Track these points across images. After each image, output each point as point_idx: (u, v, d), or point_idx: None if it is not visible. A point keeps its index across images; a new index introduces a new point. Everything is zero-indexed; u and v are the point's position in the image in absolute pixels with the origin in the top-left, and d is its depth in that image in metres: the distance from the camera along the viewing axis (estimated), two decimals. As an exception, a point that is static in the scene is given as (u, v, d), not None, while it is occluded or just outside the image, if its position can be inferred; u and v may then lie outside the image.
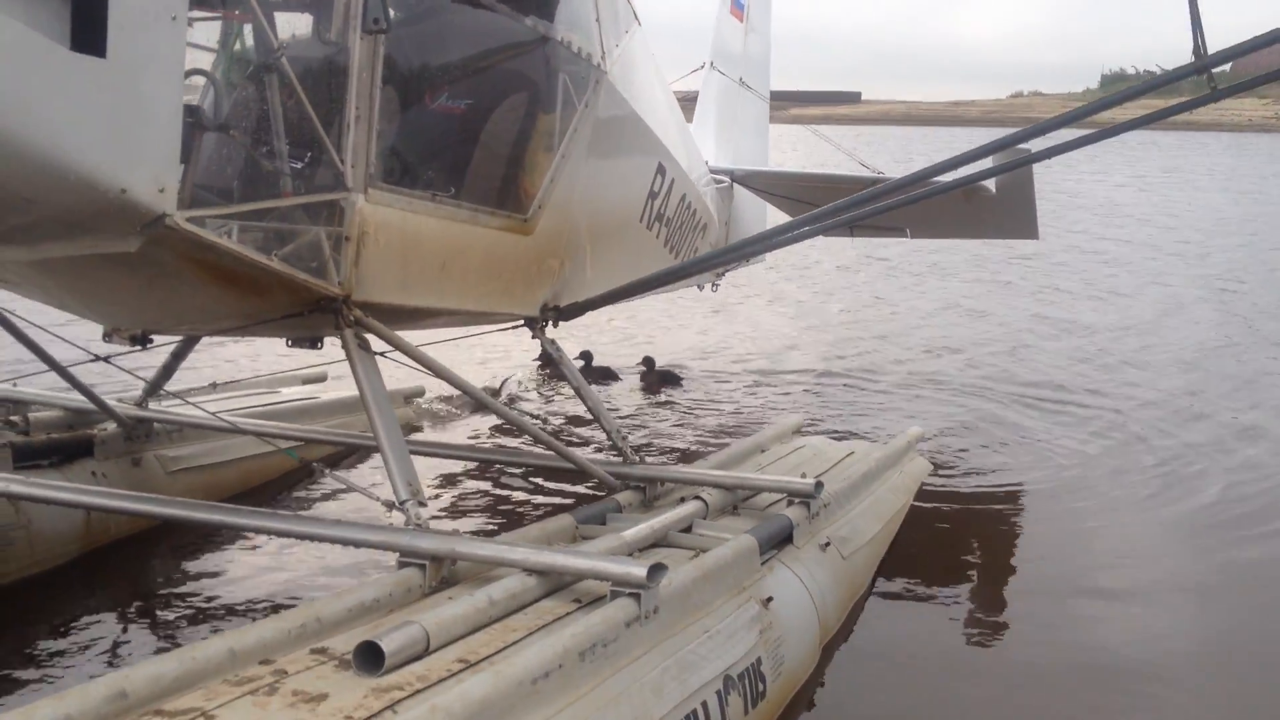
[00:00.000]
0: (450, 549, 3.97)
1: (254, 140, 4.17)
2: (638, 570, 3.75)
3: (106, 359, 5.13)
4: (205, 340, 6.18)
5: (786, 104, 11.83)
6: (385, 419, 4.36)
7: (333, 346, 4.74)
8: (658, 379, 10.78)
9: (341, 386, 8.51)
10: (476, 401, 5.28)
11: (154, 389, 6.38)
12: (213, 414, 5.85)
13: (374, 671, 3.15)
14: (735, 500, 5.56)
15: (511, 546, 4.11)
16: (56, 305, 4.69)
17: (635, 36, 6.53)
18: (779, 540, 5.04)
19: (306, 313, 4.34)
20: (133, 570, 5.85)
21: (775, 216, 10.29)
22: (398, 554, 4.04)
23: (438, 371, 4.89)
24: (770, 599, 4.51)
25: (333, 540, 4.36)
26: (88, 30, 3.15)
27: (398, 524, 4.21)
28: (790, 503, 5.40)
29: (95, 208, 3.37)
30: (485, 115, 5.26)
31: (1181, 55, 4.95)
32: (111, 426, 6.27)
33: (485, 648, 3.42)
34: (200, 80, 4.32)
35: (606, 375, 11.09)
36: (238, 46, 4.25)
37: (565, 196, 5.53)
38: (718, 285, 10.63)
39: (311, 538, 4.36)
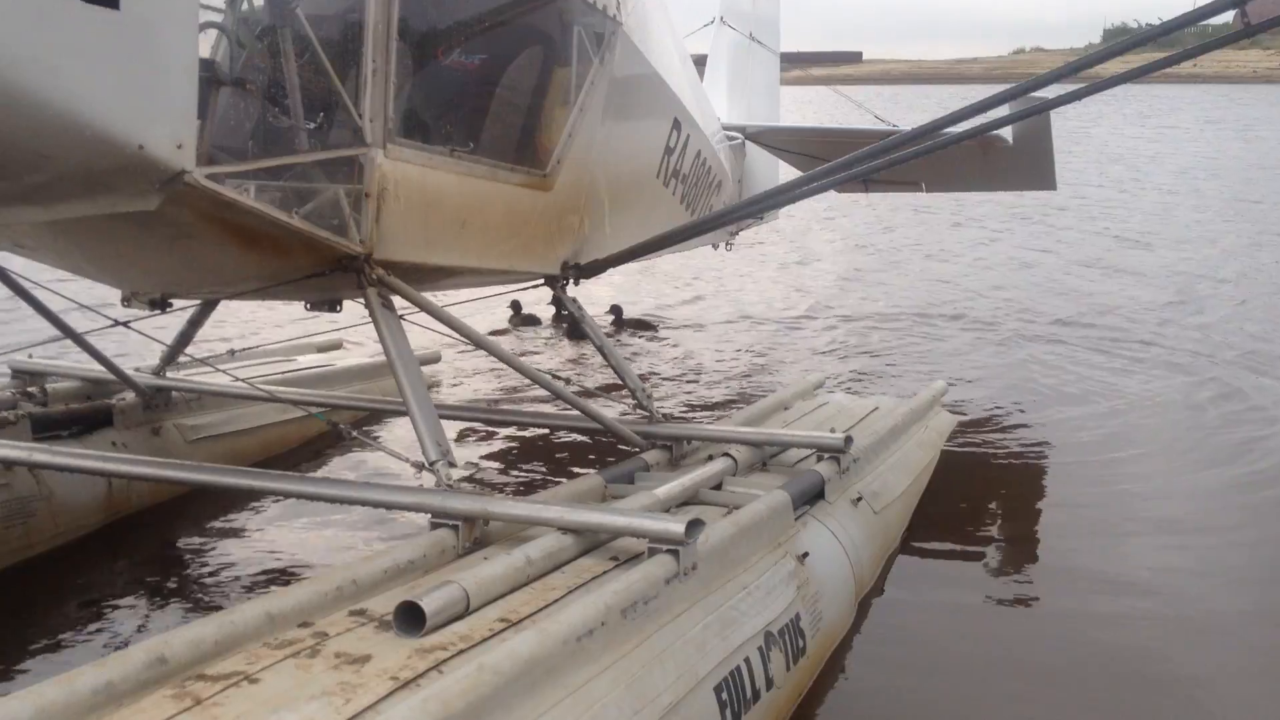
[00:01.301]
0: (483, 508, 3.90)
1: (270, 96, 4.09)
2: (675, 526, 3.68)
3: (125, 324, 5.06)
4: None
5: (788, 65, 11.73)
6: (412, 379, 4.28)
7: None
8: (629, 325, 11.43)
9: (358, 353, 8.48)
10: (502, 361, 5.19)
11: (171, 357, 6.30)
12: (237, 379, 5.77)
13: (415, 632, 3.09)
14: (764, 457, 5.49)
15: (546, 505, 4.05)
16: (73, 270, 4.61)
17: (650, -11, 6.42)
18: (811, 496, 4.98)
19: (328, 272, 4.25)
20: (157, 539, 5.80)
21: (787, 174, 10.21)
22: (430, 515, 3.97)
23: (461, 331, 4.80)
24: (806, 554, 4.45)
25: (363, 503, 4.29)
26: None
27: (428, 485, 4.15)
28: (820, 458, 5.33)
29: (112, 165, 3.28)
30: (501, 68, 5.17)
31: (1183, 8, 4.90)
32: (130, 396, 6.20)
33: (526, 607, 3.35)
34: (214, 35, 4.23)
35: (642, 326, 11.44)
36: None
37: (583, 152, 5.45)
38: (731, 244, 10.55)
39: (341, 500, 4.30)
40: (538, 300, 11.20)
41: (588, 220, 5.69)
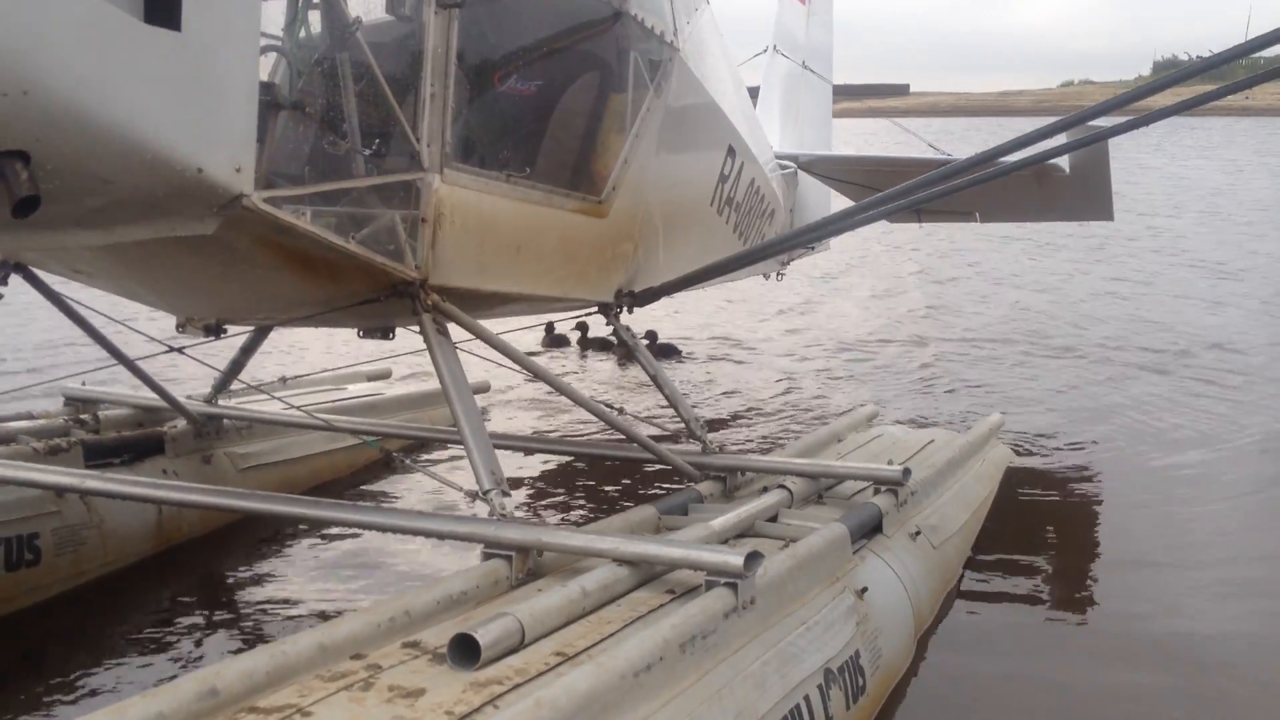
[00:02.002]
0: (537, 539, 3.83)
1: (328, 120, 4.06)
2: (734, 559, 3.60)
3: (181, 350, 5.05)
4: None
5: (835, 97, 11.69)
6: (466, 406, 4.23)
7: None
8: (658, 352, 11.21)
9: (407, 383, 8.46)
10: (557, 390, 5.12)
11: (224, 385, 6.30)
12: (292, 407, 5.74)
13: (470, 665, 3.01)
14: (819, 489, 5.40)
15: (600, 536, 3.97)
16: (129, 296, 4.60)
17: (705, 14, 6.39)
18: (869, 529, 4.88)
19: (383, 298, 4.22)
20: (207, 568, 5.77)
21: (839, 204, 10.12)
22: (482, 545, 3.90)
23: (515, 358, 4.75)
24: (865, 589, 4.35)
25: (415, 532, 4.24)
26: (162, 3, 3.04)
27: (481, 515, 4.08)
28: (877, 490, 5.23)
29: (171, 188, 3.26)
30: (558, 94, 5.14)
31: (1235, 39, 4.76)
32: (182, 423, 6.20)
33: (582, 640, 3.28)
34: (273, 58, 4.22)
35: (667, 352, 11.51)
36: (310, 24, 4.13)
37: (638, 178, 5.40)
38: (783, 275, 10.46)
39: (394, 530, 4.25)
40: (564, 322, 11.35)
41: (641, 247, 5.63)
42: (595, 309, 5.65)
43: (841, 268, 18.57)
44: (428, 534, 4.25)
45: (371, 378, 8.47)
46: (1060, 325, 13.55)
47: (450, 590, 3.54)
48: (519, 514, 4.04)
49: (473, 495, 4.11)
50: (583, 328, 11.69)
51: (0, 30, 2.72)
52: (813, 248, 10.20)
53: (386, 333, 4.96)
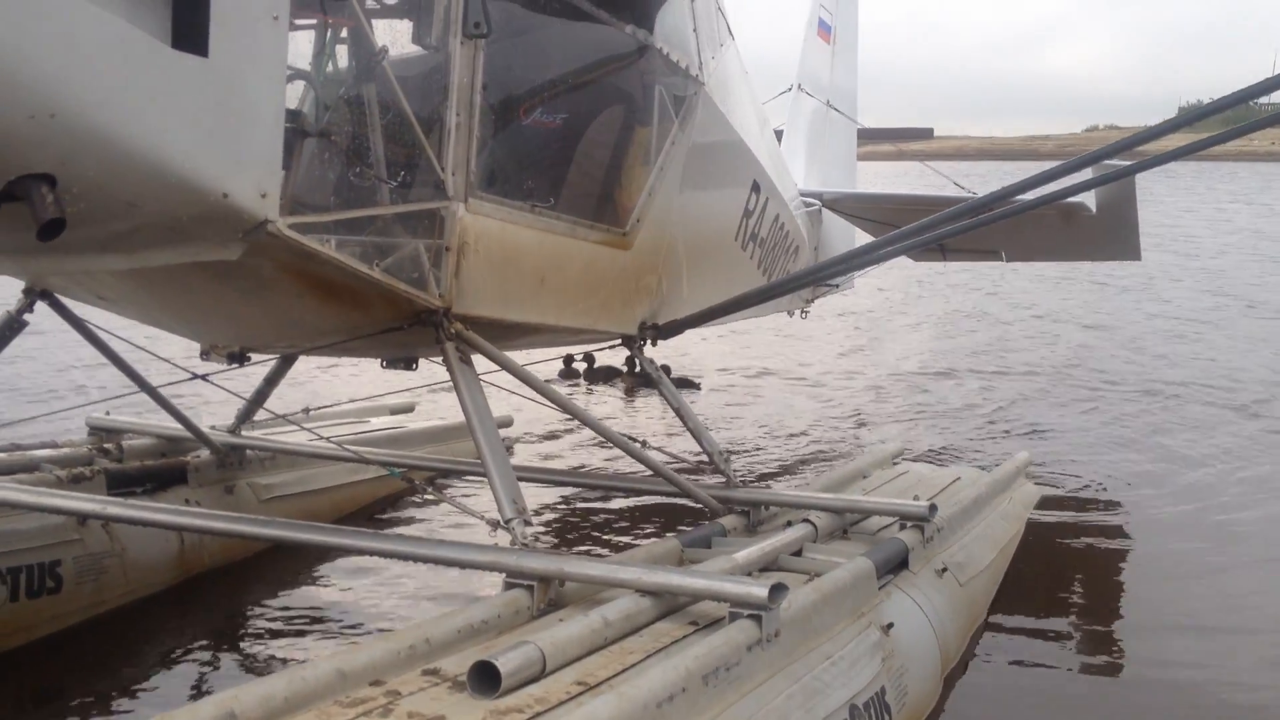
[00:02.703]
0: (559, 569, 3.79)
1: (354, 148, 4.07)
2: (759, 590, 3.56)
3: (204, 377, 5.04)
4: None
5: (859, 140, 11.72)
6: (489, 435, 4.20)
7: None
8: (598, 375, 11.85)
9: (429, 416, 8.45)
10: (580, 420, 5.09)
11: (247, 415, 6.29)
12: (319, 437, 5.72)
13: (490, 693, 2.97)
14: (844, 524, 5.34)
15: (623, 566, 3.94)
16: (153, 323, 4.61)
17: (730, 50, 6.40)
18: (894, 565, 4.82)
19: (406, 326, 4.21)
20: (229, 597, 5.75)
21: (863, 242, 10.10)
22: (505, 575, 3.87)
23: (539, 389, 4.72)
24: (890, 625, 4.29)
25: (437, 561, 4.20)
26: (190, 28, 3.06)
27: (503, 544, 4.05)
28: (902, 526, 5.18)
29: (196, 213, 3.26)
30: (583, 125, 5.15)
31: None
32: (205, 453, 6.19)
33: (603, 670, 3.23)
34: (300, 86, 4.22)
35: (683, 385, 11.58)
36: (337, 52, 4.14)
37: (663, 211, 5.39)
38: (806, 312, 10.40)
39: (415, 558, 4.21)
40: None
41: (665, 280, 5.62)
42: (618, 341, 5.63)
43: (898, 303, 18.79)
44: (449, 563, 4.21)
45: (395, 411, 8.46)
46: (1120, 363, 13.58)
47: (471, 619, 3.51)
48: (541, 544, 3.99)
49: (494, 524, 4.08)
50: (589, 359, 11.82)
51: (27, 53, 2.73)
52: (837, 285, 10.16)
53: (410, 363, 4.95)
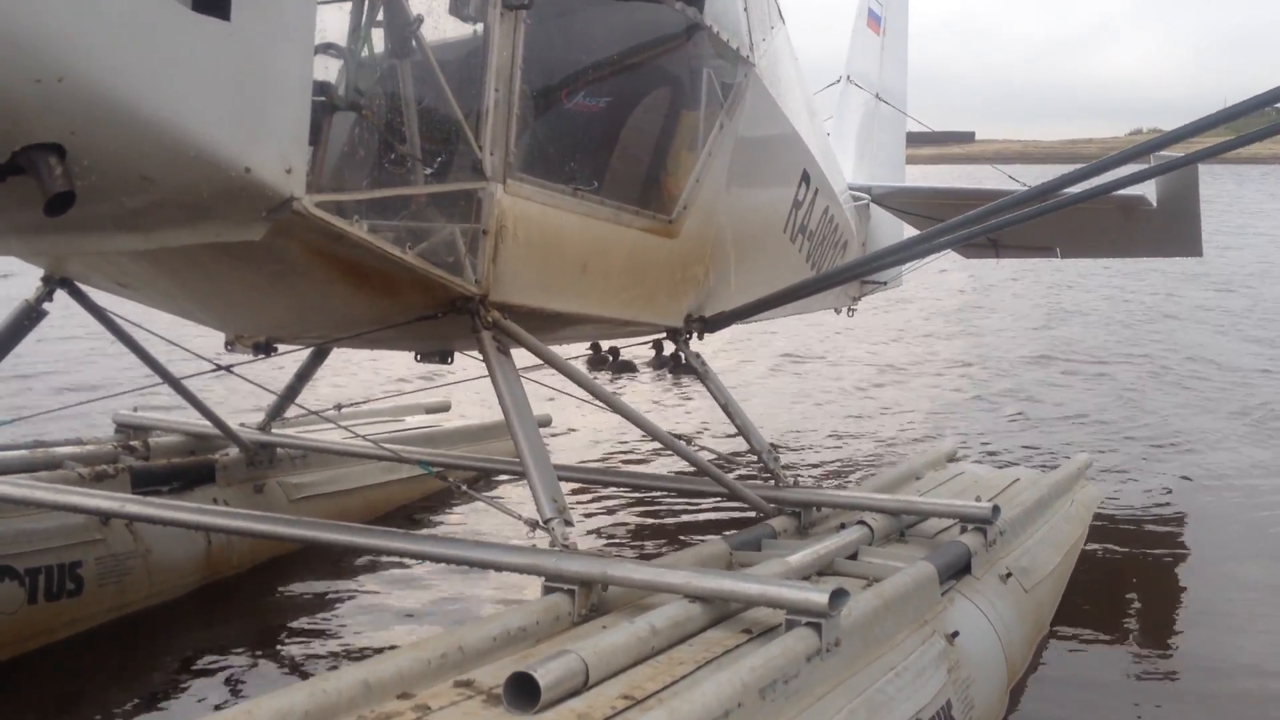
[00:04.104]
0: (602, 572, 3.53)
1: (387, 124, 3.84)
2: (818, 596, 3.29)
3: (228, 368, 4.81)
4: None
5: (914, 145, 11.51)
6: (527, 430, 3.95)
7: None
8: (621, 367, 12.29)
9: (466, 415, 8.22)
10: (625, 417, 4.80)
11: (278, 412, 6.08)
12: (354, 435, 5.49)
13: (529, 707, 2.71)
14: (900, 526, 5.07)
15: (671, 569, 3.66)
16: (177, 312, 4.40)
17: (780, 34, 6.14)
18: (957, 570, 4.55)
19: (440, 314, 3.97)
20: (257, 602, 5.53)
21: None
22: (543, 578, 3.62)
23: (584, 384, 4.47)
24: (956, 634, 4.01)
25: (473, 563, 3.96)
26: None
27: (542, 545, 3.80)
28: (963, 529, 4.89)
29: (217, 188, 3.03)
30: (629, 107, 4.90)
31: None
32: (234, 451, 5.98)
33: (651, 683, 2.97)
34: (329, 60, 3.99)
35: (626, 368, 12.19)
36: (371, 23, 3.91)
37: (710, 199, 5.14)
38: (854, 310, 10.11)
39: (450, 560, 3.96)
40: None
41: (712, 271, 5.36)
42: (664, 334, 5.38)
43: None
44: (485, 565, 3.97)
45: (430, 410, 8.23)
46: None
47: (508, 626, 3.26)
48: (583, 546, 3.74)
49: (533, 524, 3.83)
50: (614, 353, 12.35)
51: (30, 11, 2.51)
52: (885, 283, 9.87)
53: (445, 356, 4.71)
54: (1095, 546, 6.38)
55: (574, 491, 7.13)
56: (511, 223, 3.96)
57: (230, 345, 4.64)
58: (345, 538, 4.13)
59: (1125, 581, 6.11)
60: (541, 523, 3.78)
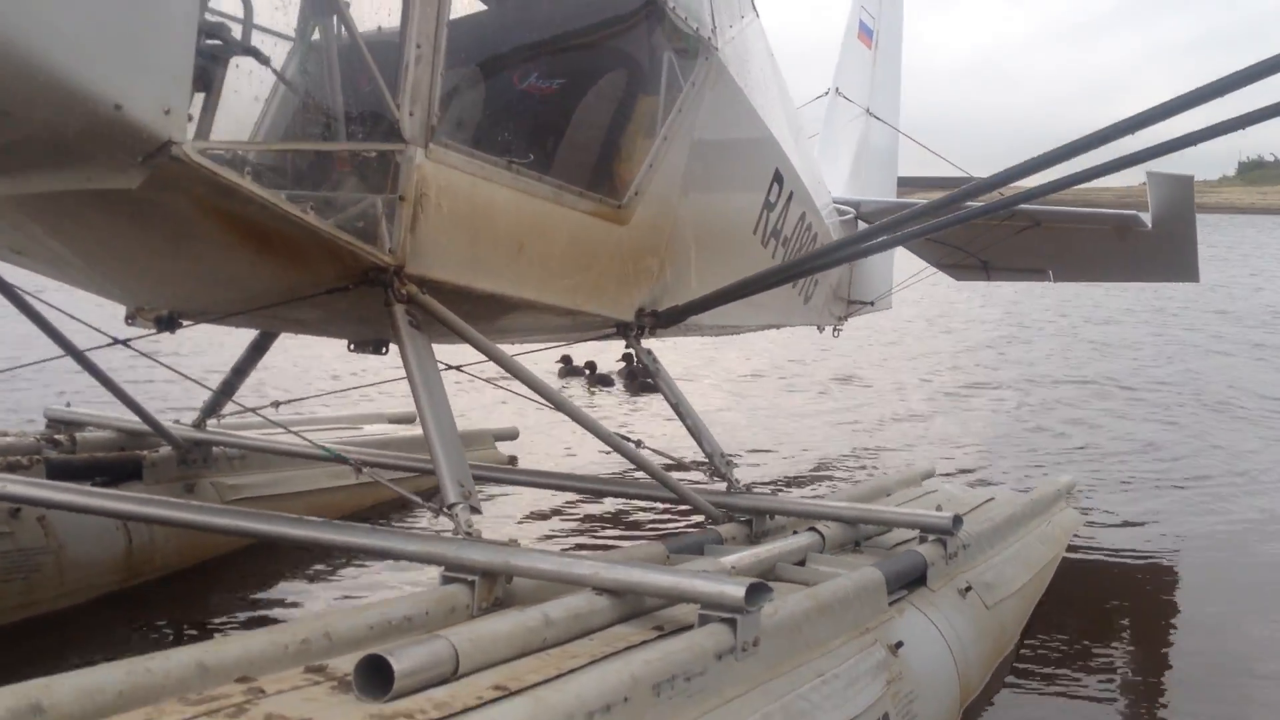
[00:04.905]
0: (504, 561, 3.21)
1: (293, 75, 3.56)
2: (734, 590, 2.97)
3: (125, 342, 4.48)
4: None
5: (911, 189, 11.19)
6: (436, 408, 3.64)
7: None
8: (598, 380, 12.57)
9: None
10: (567, 415, 4.47)
11: (214, 408, 5.75)
12: (287, 430, 5.17)
13: (380, 695, 2.39)
14: (858, 536, 4.74)
15: (579, 559, 3.35)
16: (73, 282, 4.10)
17: (752, 26, 5.86)
18: (910, 580, 4.23)
19: (352, 286, 3.65)
20: (181, 607, 5.18)
21: (903, 259, 9.51)
22: (442, 568, 3.30)
23: (513, 370, 4.11)
24: (900, 644, 3.68)
25: (364, 550, 3.66)
26: None
27: (447, 533, 3.48)
28: (923, 539, 4.57)
29: (83, 126, 2.74)
30: (573, 81, 4.64)
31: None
32: (166, 449, 5.66)
33: (534, 675, 2.63)
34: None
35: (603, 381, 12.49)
36: None
37: (666, 186, 4.85)
38: (839, 331, 9.80)
39: (341, 546, 3.66)
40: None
41: (670, 267, 5.07)
42: (613, 330, 5.06)
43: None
44: (380, 553, 3.65)
45: (394, 420, 7.92)
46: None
47: (389, 614, 2.94)
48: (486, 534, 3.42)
49: (436, 510, 3.52)
50: (591, 366, 12.73)
51: None
52: (871, 302, 9.56)
53: (379, 347, 4.41)
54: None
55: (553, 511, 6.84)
56: (434, 191, 3.67)
57: (131, 319, 4.35)
58: (229, 522, 3.83)
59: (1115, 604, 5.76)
60: (445, 508, 3.47)
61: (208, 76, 3.19)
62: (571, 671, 2.67)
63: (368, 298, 3.71)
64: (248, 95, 3.59)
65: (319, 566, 5.68)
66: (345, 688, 2.45)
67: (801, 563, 4.26)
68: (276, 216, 3.25)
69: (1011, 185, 5.02)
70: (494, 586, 3.23)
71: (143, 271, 3.90)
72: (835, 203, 8.29)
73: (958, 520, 4.54)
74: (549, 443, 8.87)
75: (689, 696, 2.71)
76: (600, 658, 2.82)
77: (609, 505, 7.19)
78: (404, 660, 2.42)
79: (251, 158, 3.66)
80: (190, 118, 3.01)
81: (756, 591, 2.98)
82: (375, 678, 2.41)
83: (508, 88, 4.48)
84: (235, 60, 3.36)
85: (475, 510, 3.47)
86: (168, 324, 4.31)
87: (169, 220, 3.32)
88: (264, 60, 3.44)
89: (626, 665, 2.59)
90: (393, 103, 3.54)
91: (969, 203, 5.15)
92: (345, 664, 2.58)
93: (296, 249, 3.47)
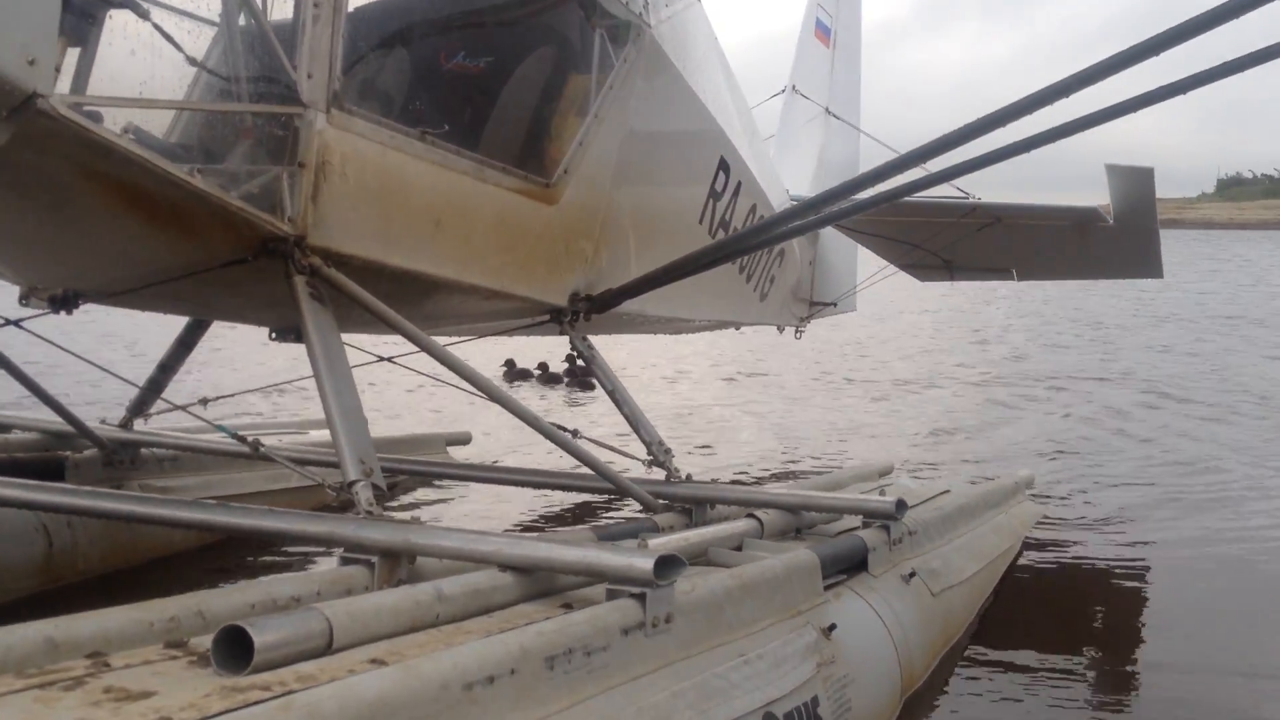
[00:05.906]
0: (404, 539, 3.03)
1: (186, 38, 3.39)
2: (642, 563, 2.79)
3: (17, 323, 4.28)
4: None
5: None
6: (337, 380, 3.45)
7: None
8: (548, 379, 13.16)
9: (389, 427, 7.73)
10: (493, 400, 4.27)
11: (140, 407, 5.53)
12: (217, 427, 4.94)
13: (238, 669, 2.20)
14: (799, 524, 4.56)
15: (482, 536, 3.15)
16: None
17: (692, 9, 5.70)
18: (849, 564, 4.06)
19: (251, 258, 3.47)
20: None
21: (865, 259, 9.36)
22: (342, 549, 3.11)
23: (425, 345, 3.90)
24: (833, 626, 3.50)
25: (264, 534, 3.46)
26: None
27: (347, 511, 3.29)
28: (866, 524, 4.40)
29: None
30: (494, 56, 4.49)
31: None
32: (91, 450, 5.45)
33: (418, 650, 2.44)
34: None
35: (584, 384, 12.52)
36: None
37: (599, 167, 4.69)
38: (801, 332, 9.64)
39: (237, 530, 3.45)
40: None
41: (605, 251, 4.89)
42: (546, 317, 4.87)
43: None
44: (278, 536, 3.48)
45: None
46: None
47: (275, 593, 2.75)
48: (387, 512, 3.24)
49: (335, 488, 3.33)
50: (542, 366, 13.31)
51: None
52: (834, 303, 9.41)
53: (301, 334, 4.22)
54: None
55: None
56: (338, 159, 3.49)
57: (25, 299, 4.15)
58: (126, 507, 3.62)
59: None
60: (345, 485, 3.28)
61: (84, 29, 3.02)
62: (461, 645, 2.48)
63: (275, 277, 3.53)
64: (128, 51, 3.40)
65: (267, 560, 5.46)
66: (204, 663, 2.25)
67: (739, 549, 4.08)
68: (161, 181, 3.08)
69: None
70: (396, 567, 3.05)
71: (28, 245, 3.71)
72: (793, 199, 8.13)
73: (901, 505, 4.36)
74: (500, 448, 8.65)
75: (589, 672, 2.52)
76: (496, 633, 2.63)
77: (568, 503, 6.99)
78: (266, 633, 2.22)
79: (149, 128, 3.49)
80: (57, 70, 2.83)
81: (667, 565, 2.80)
82: (236, 650, 2.21)
83: (432, 63, 4.31)
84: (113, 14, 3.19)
85: (379, 489, 3.28)
86: (64, 303, 4.12)
87: (48, 187, 3.14)
88: (143, 14, 3.26)
89: (515, 637, 2.41)
90: (289, 63, 3.37)
91: (897, 180, 4.85)
92: (210, 641, 2.38)
93: (188, 218, 3.29)
